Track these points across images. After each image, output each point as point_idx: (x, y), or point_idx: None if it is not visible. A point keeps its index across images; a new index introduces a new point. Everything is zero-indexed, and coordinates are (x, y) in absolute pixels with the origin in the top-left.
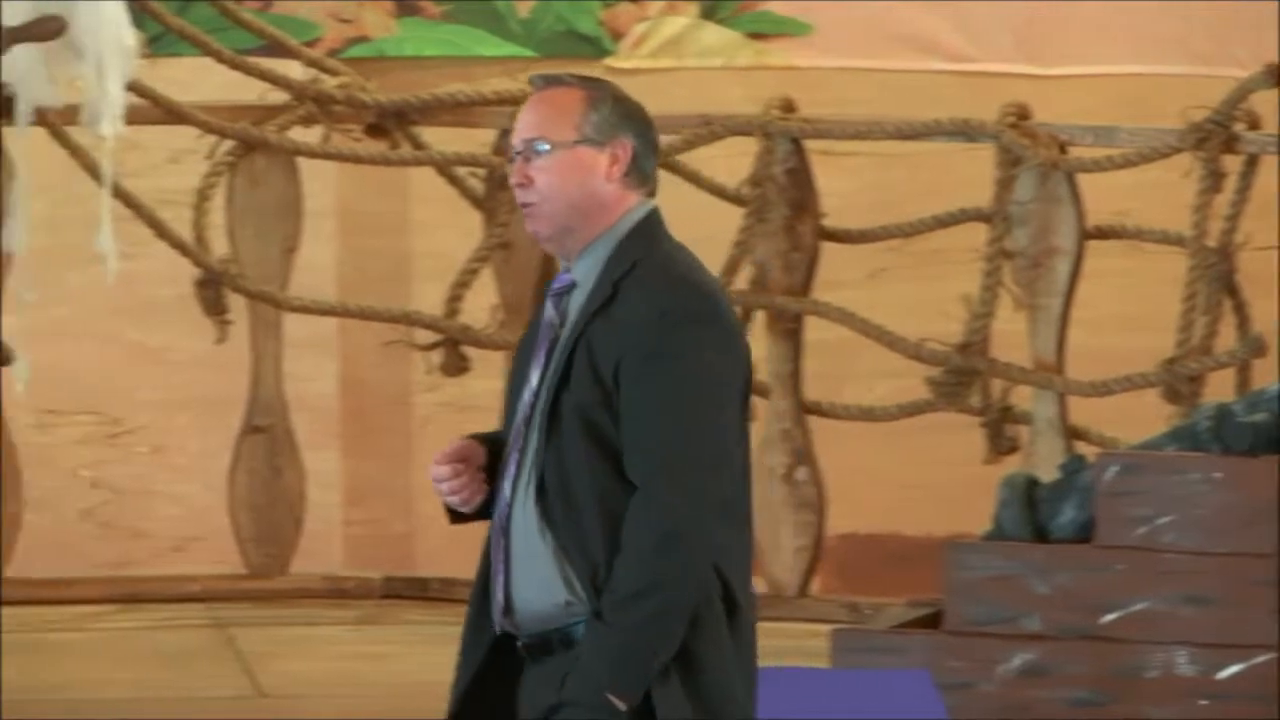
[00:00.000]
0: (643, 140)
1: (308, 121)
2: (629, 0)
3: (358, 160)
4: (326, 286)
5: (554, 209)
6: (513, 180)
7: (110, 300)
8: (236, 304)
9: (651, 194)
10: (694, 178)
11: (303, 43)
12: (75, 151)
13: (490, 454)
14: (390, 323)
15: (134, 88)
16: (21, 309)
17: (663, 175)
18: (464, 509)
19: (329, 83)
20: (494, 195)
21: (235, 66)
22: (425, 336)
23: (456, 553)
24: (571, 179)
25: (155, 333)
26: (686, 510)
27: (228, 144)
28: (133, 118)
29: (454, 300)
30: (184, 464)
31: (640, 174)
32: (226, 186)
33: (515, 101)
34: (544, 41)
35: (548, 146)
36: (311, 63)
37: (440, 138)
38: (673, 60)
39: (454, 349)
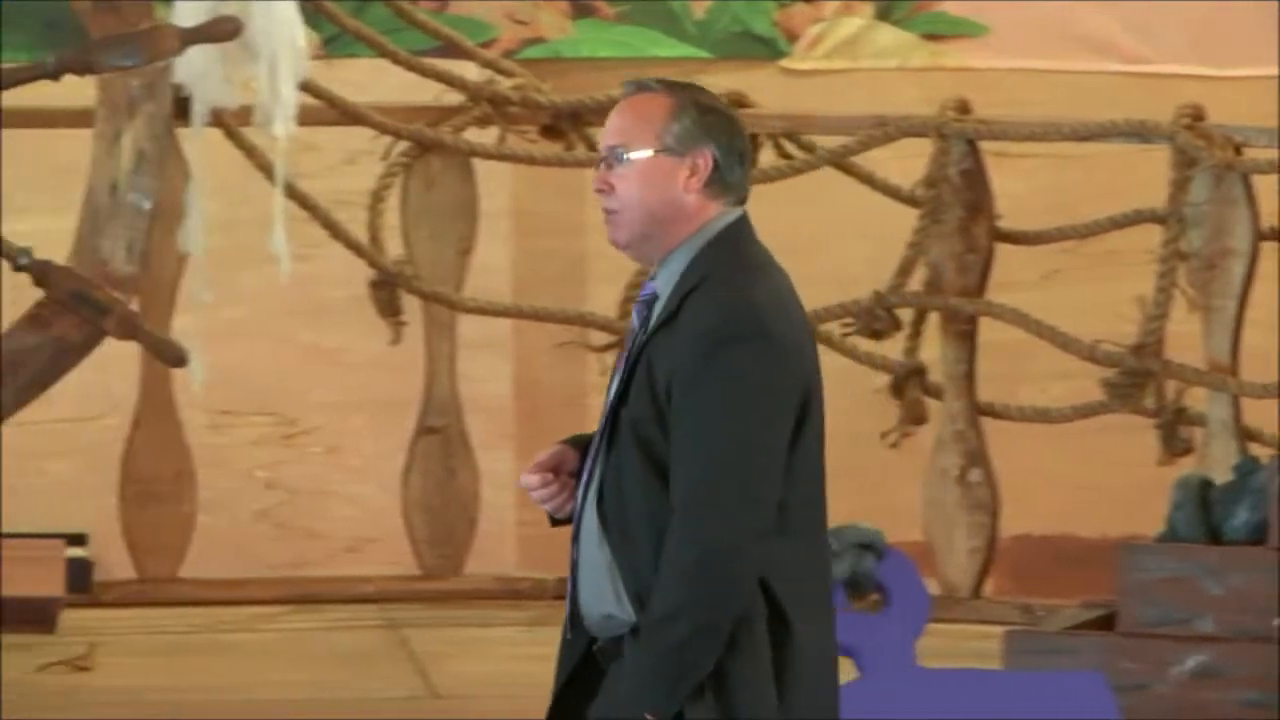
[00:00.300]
0: (726, 150)
1: (483, 123)
2: (804, 1)
3: (533, 161)
4: (501, 288)
5: (632, 217)
6: (594, 186)
7: (285, 301)
8: (411, 305)
9: (740, 201)
10: (868, 179)
11: (478, 44)
12: (250, 152)
13: (584, 458)
14: (564, 324)
15: (310, 89)
16: (197, 310)
17: (838, 176)
18: (558, 515)
19: (504, 84)
20: None
21: (411, 68)
22: (599, 338)
23: None
24: (649, 188)
25: (330, 334)
26: (718, 533)
27: (403, 145)
28: (308, 119)
29: (628, 301)
30: (359, 465)
31: (723, 184)
32: (401, 188)
33: None
34: (719, 43)
35: (628, 155)
36: (487, 64)
37: None
38: (848, 61)
39: None
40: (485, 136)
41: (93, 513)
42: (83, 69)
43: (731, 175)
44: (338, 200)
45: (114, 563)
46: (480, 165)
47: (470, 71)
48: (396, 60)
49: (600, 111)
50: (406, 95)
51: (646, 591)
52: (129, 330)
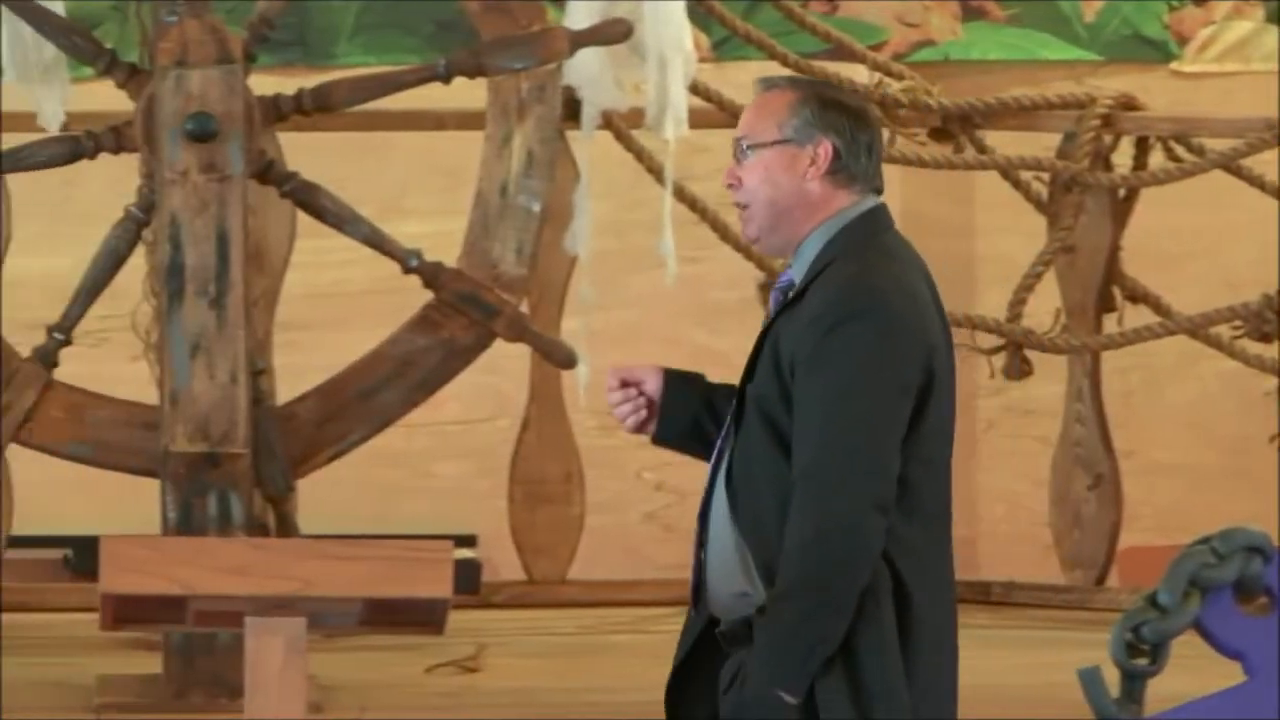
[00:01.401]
0: (848, 140)
1: None
2: (1195, 4)
3: (922, 164)
4: None
5: (758, 209)
6: (724, 182)
7: (674, 303)
8: None
9: (874, 191)
10: (1258, 182)
11: (868, 46)
12: (640, 155)
13: (672, 387)
14: (954, 326)
15: (700, 91)
16: (586, 312)
17: (1227, 179)
18: (629, 429)
19: (894, 86)
20: (1057, 199)
21: (800, 70)
22: (989, 340)
23: (1019, 556)
24: (770, 178)
25: (719, 336)
26: (835, 507)
27: None
28: (698, 121)
29: (1017, 304)
30: None
31: (848, 173)
32: None
33: (1079, 105)
34: (1109, 45)
35: (751, 148)
36: (876, 66)
37: (1003, 141)
38: (1238, 64)
39: (1017, 353)
40: None
41: (482, 514)
42: (474, 71)
43: (856, 165)
44: (726, 203)
45: (503, 564)
46: None
47: (860, 74)
48: (785, 63)
49: (989, 115)
50: None
51: (775, 569)
52: (518, 332)
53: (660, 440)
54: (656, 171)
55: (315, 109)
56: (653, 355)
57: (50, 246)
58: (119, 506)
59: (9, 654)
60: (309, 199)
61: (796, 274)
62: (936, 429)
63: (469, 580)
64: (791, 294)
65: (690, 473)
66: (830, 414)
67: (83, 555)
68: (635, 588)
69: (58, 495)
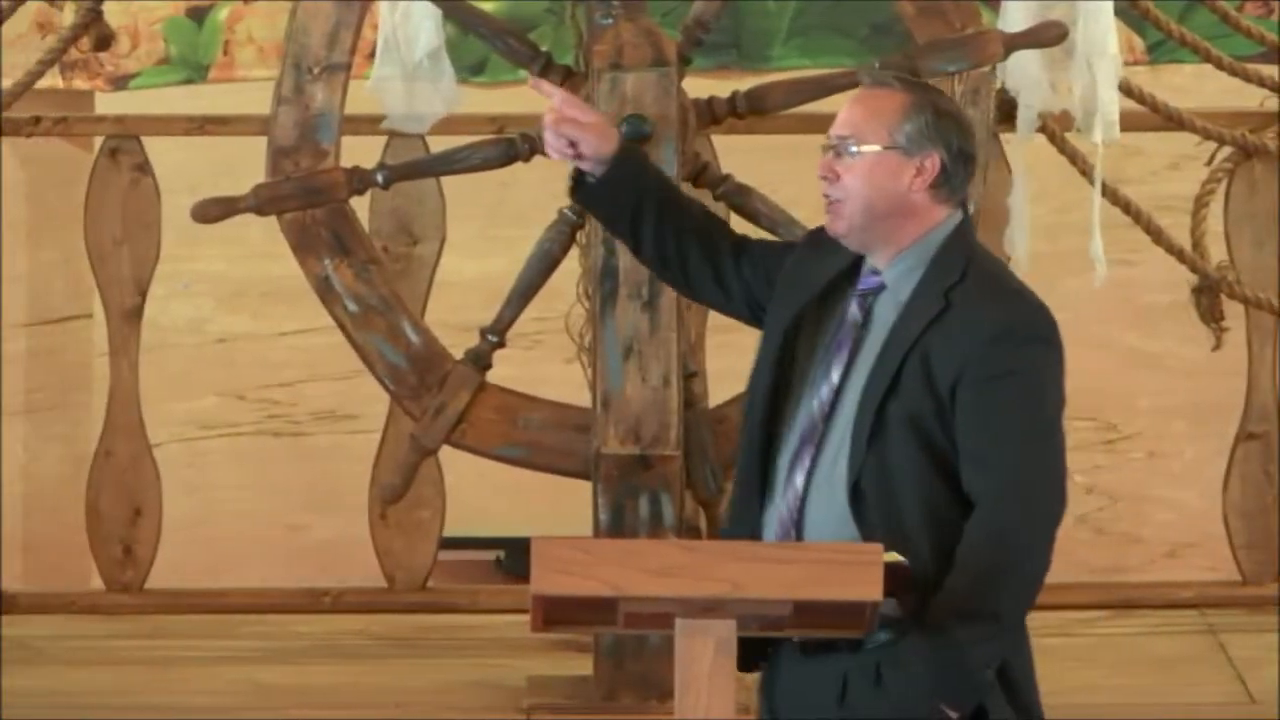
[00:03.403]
0: (955, 154)
1: None
2: None
3: None
4: None
5: (853, 209)
6: (819, 173)
7: (1107, 306)
8: (1233, 311)
9: (961, 205)
10: None
11: None
12: (1073, 158)
13: (624, 167)
14: None
15: (1133, 94)
16: None
17: None
18: (584, 166)
19: None
20: None
21: (1234, 73)
22: None
23: None
24: (872, 184)
25: (1153, 339)
26: (1025, 531)
27: (1226, 151)
28: (1132, 124)
29: None
30: (1179, 470)
31: (949, 187)
32: (1224, 193)
33: None
34: None
35: (857, 148)
36: None
37: None
38: None
39: None
40: None
41: None
42: (908, 74)
43: (957, 179)
44: (1161, 205)
45: None
46: None
47: None
48: (1220, 65)
49: None
50: (1230, 101)
51: (923, 578)
52: None
53: (582, 196)
54: (1088, 174)
55: (749, 112)
56: (1085, 358)
57: (485, 248)
58: (550, 508)
59: (441, 654)
60: (743, 202)
61: (894, 282)
62: None
63: (898, 583)
64: (926, 307)
65: (1122, 476)
66: (1018, 437)
67: (514, 557)
68: (1066, 591)
69: (490, 497)
